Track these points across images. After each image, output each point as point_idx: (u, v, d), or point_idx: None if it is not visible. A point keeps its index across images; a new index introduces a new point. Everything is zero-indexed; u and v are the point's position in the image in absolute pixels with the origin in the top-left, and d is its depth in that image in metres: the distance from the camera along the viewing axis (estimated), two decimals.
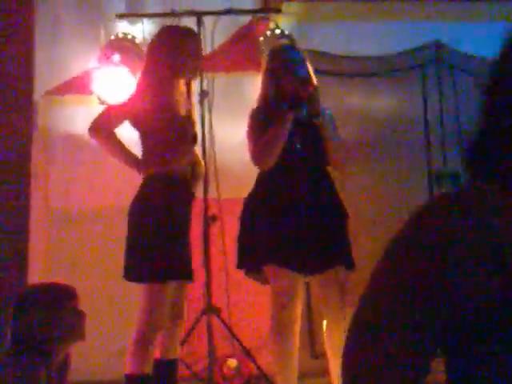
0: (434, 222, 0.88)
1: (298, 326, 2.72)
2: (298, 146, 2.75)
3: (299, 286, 2.73)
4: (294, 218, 2.69)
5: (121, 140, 2.74)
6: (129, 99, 2.78)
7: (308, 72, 2.85)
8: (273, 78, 2.85)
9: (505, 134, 0.92)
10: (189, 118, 2.83)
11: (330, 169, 2.85)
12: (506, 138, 0.92)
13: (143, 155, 2.76)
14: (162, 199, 2.68)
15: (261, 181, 2.84)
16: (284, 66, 2.83)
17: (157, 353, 2.68)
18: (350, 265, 2.75)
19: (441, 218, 0.88)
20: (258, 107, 2.87)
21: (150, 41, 3.03)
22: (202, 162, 2.97)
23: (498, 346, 0.83)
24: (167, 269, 2.62)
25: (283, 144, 2.73)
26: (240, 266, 2.83)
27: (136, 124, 2.75)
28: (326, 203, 2.76)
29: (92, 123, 2.71)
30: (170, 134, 2.71)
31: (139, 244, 2.63)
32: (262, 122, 2.78)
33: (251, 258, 2.78)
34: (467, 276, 0.84)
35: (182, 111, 2.79)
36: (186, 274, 2.74)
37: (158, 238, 2.62)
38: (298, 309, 2.72)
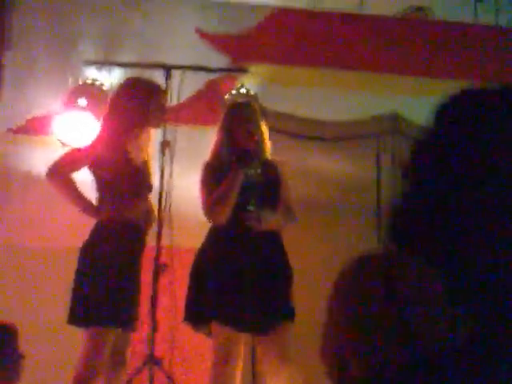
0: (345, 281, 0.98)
1: (237, 381, 2.72)
2: (251, 207, 2.80)
3: (241, 344, 2.75)
4: (241, 279, 2.72)
5: (77, 185, 2.77)
6: (89, 145, 2.83)
7: (258, 128, 2.91)
8: (226, 134, 2.92)
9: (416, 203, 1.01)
10: (146, 168, 2.88)
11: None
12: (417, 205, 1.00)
13: (98, 201, 2.79)
14: (112, 245, 2.69)
15: (212, 235, 2.87)
16: (236, 122, 2.91)
17: None
18: (291, 316, 2.79)
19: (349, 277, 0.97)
20: (210, 161, 2.92)
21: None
22: (154, 210, 2.99)
23: None
24: (109, 315, 2.61)
25: (235, 200, 2.78)
26: (187, 318, 2.83)
27: (94, 170, 2.79)
28: (274, 264, 2.81)
29: (50, 167, 2.74)
30: (126, 184, 2.76)
31: (84, 288, 2.64)
32: (214, 176, 2.84)
33: (198, 313, 2.79)
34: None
35: (141, 161, 2.84)
36: (129, 323, 2.73)
37: (103, 284, 2.63)
38: (239, 364, 2.73)
